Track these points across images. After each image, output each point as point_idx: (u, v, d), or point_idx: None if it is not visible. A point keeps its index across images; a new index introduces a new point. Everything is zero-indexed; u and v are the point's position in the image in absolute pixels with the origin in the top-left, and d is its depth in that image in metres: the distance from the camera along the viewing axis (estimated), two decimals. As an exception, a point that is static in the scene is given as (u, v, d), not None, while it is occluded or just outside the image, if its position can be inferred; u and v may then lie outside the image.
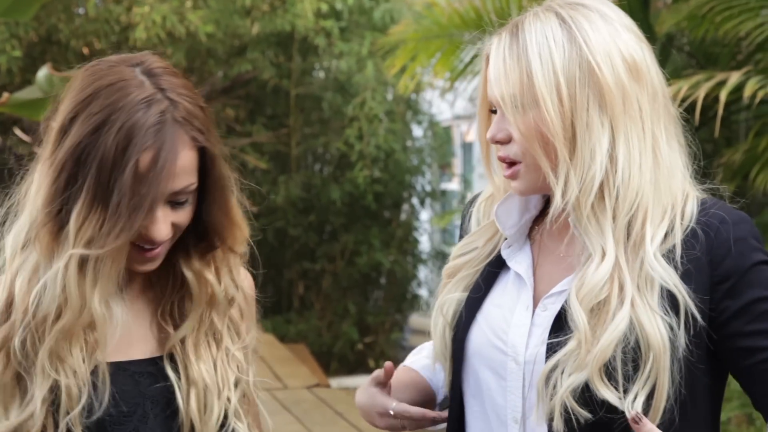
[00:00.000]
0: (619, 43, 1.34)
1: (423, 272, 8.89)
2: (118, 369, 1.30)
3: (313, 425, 5.14)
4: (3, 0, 3.47)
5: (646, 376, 1.28)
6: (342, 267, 8.07)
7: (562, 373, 1.29)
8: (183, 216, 1.27)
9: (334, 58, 7.91)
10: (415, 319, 7.66)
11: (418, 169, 8.41)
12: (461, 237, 1.55)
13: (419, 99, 8.33)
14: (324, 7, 7.19)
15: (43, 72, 3.58)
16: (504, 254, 1.44)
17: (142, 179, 1.19)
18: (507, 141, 1.36)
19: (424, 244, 9.00)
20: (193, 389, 1.32)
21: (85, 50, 7.08)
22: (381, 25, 7.56)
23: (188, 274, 1.32)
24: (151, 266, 1.29)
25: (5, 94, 3.76)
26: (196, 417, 1.31)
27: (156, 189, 1.20)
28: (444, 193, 9.10)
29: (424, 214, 8.93)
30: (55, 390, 1.24)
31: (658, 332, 1.28)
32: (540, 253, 1.44)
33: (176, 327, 1.33)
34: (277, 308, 7.89)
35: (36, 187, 1.24)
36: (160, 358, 1.33)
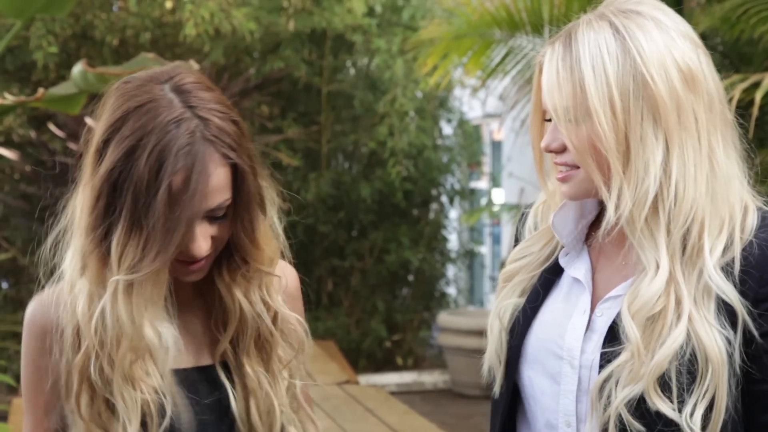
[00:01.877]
0: (675, 53, 1.31)
1: (451, 270, 8.88)
2: (179, 378, 1.29)
3: (344, 422, 5.16)
4: (40, -3, 3.51)
5: (704, 389, 1.26)
6: (371, 264, 8.09)
7: (617, 384, 1.29)
8: (223, 230, 1.27)
9: (367, 55, 7.92)
10: (443, 318, 7.65)
11: (447, 167, 8.40)
12: (516, 241, 1.55)
13: (449, 97, 8.32)
14: (361, 7, 7.20)
15: (77, 68, 3.63)
16: (562, 262, 1.44)
17: (176, 201, 1.18)
18: (562, 150, 1.36)
19: (453, 242, 8.99)
20: (252, 398, 1.31)
21: (115, 43, 7.12)
22: (411, 23, 7.57)
23: (221, 287, 1.32)
24: (196, 277, 1.29)
25: (41, 90, 3.82)
26: (259, 426, 1.31)
27: (190, 210, 1.19)
28: (473, 191, 9.09)
29: (453, 213, 8.92)
30: (144, 408, 1.24)
31: (716, 346, 1.27)
32: (599, 259, 1.43)
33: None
34: (305, 305, 7.90)
35: (79, 212, 1.24)
36: (213, 366, 1.33)
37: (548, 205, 1.49)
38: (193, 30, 6.67)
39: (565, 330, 1.39)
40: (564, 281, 1.44)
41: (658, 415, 1.27)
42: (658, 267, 1.30)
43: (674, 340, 1.27)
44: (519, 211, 1.59)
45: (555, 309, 1.42)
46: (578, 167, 1.35)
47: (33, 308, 1.32)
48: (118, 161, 1.19)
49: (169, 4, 7.04)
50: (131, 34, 6.98)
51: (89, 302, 1.24)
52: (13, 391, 5.86)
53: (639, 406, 1.28)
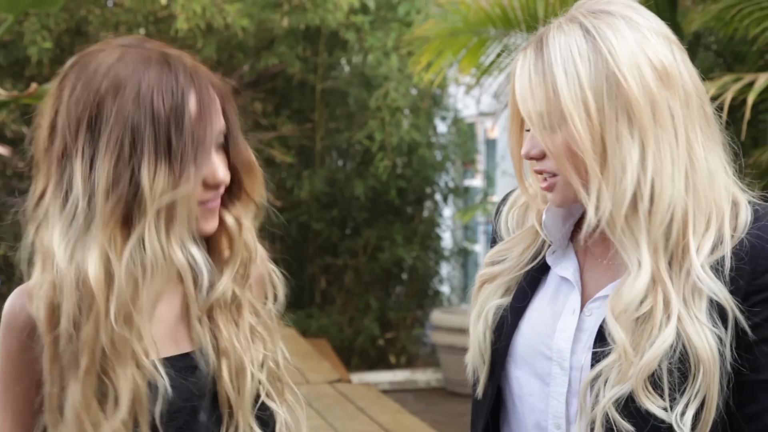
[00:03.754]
0: (647, 50, 1.30)
1: (445, 269, 8.88)
2: (168, 365, 1.30)
3: (335, 420, 5.15)
4: (33, -8, 3.50)
5: (696, 389, 1.26)
6: (364, 262, 8.08)
7: (605, 383, 1.28)
8: (224, 160, 1.33)
9: (361, 53, 7.91)
10: (436, 316, 7.65)
11: (441, 165, 8.40)
12: (494, 238, 1.53)
13: (444, 94, 8.32)
14: (355, 3, 7.19)
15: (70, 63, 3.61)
16: (549, 261, 1.43)
17: (198, 122, 1.27)
18: (541, 157, 1.35)
19: (447, 240, 8.99)
20: (224, 360, 1.33)
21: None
22: (406, 19, 7.56)
23: (229, 220, 1.35)
24: (213, 223, 1.33)
25: (33, 85, 3.79)
26: (230, 389, 1.33)
27: (211, 126, 1.28)
28: (467, 189, 9.09)
29: (447, 211, 8.92)
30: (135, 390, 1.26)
31: (707, 346, 1.26)
32: (586, 258, 1.42)
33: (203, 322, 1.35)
34: (299, 303, 7.91)
35: (82, 181, 1.25)
36: (193, 353, 1.34)
37: (528, 207, 1.47)
38: (185, 24, 6.65)
39: (554, 330, 1.38)
40: (551, 280, 1.43)
41: (648, 414, 1.26)
42: (640, 266, 1.29)
43: (664, 340, 1.26)
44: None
45: (542, 308, 1.41)
46: (557, 174, 1.34)
47: (14, 300, 1.31)
48: (128, 111, 1.24)
49: (162, 0, 7.02)
50: (124, 30, 6.96)
51: (102, 262, 1.24)
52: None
53: (627, 406, 1.27)
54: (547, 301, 1.42)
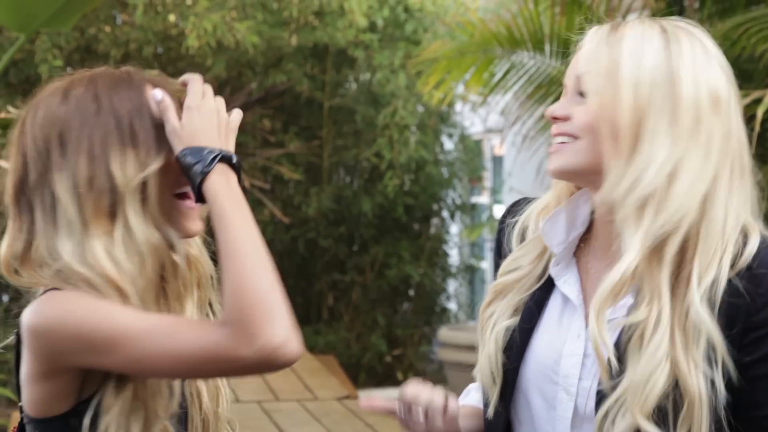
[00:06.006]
0: (710, 74, 1.34)
1: (452, 285, 8.88)
2: None
3: (343, 437, 5.15)
4: (45, 10, 3.54)
5: (686, 420, 1.28)
6: (371, 279, 8.09)
7: (613, 422, 1.30)
8: None
9: (369, 70, 7.95)
10: (443, 333, 7.63)
11: (448, 182, 8.41)
12: (498, 247, 1.54)
13: (451, 112, 8.34)
14: (364, 22, 7.23)
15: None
16: (552, 272, 1.44)
17: (158, 111, 1.35)
18: (566, 119, 1.38)
19: (454, 257, 8.99)
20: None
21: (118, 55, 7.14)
22: (413, 37, 7.60)
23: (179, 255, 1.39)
24: (197, 224, 1.38)
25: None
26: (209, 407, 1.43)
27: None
28: (474, 206, 9.09)
29: (454, 228, 8.92)
30: None
31: (698, 386, 1.27)
32: (588, 279, 1.43)
33: None
34: (306, 319, 7.92)
35: (66, 190, 1.31)
36: None
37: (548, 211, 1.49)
38: (196, 42, 6.69)
39: (561, 356, 1.40)
40: (556, 299, 1.44)
41: None
42: (627, 253, 1.31)
43: (657, 378, 1.28)
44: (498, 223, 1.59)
45: (550, 330, 1.42)
46: (576, 138, 1.36)
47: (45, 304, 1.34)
48: (86, 113, 1.34)
49: (172, 18, 7.07)
50: (135, 48, 7.01)
51: (107, 254, 1.30)
52: (13, 404, 5.85)
53: None
54: (554, 322, 1.43)
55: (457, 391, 1.62)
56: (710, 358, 1.28)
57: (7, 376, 6.48)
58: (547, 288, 1.44)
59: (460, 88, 6.15)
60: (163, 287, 1.37)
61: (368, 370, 7.97)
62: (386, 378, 8.02)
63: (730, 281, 1.30)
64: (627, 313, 1.33)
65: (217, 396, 1.45)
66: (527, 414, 1.42)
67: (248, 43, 6.83)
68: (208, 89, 1.37)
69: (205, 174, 1.29)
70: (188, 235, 1.38)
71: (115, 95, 1.35)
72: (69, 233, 1.31)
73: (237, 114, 1.38)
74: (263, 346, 1.19)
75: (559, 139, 1.38)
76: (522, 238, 1.49)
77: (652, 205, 1.31)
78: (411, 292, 8.40)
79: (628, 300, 1.34)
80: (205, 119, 1.33)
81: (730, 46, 3.83)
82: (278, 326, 1.21)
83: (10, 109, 3.66)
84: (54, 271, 1.30)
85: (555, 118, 1.39)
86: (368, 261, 8.10)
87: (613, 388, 1.30)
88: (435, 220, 8.54)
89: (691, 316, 1.29)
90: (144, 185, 1.31)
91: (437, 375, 8.06)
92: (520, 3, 4.86)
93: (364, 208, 7.83)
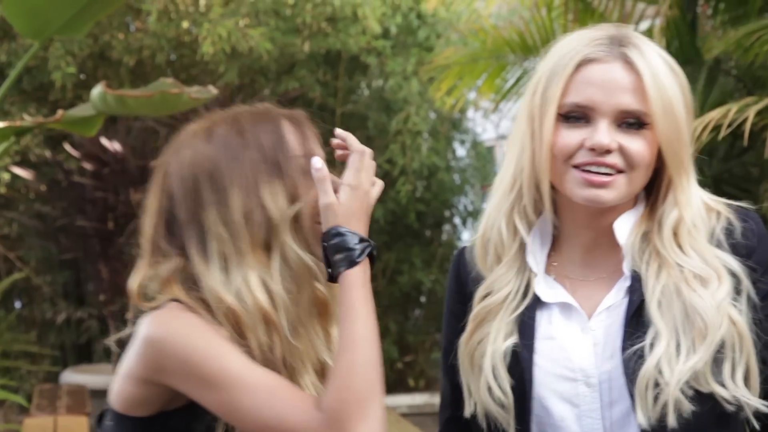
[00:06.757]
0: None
1: (464, 292, 8.86)
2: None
3: (352, 443, 5.14)
4: (58, 17, 3.57)
5: (744, 360, 1.35)
6: (383, 285, 8.09)
7: (661, 372, 1.34)
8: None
9: (381, 77, 7.95)
10: (455, 339, 7.63)
11: (460, 188, 8.41)
12: (458, 285, 1.63)
13: (463, 118, 8.34)
14: (377, 29, 7.24)
15: (97, 90, 3.67)
16: (538, 291, 1.47)
17: (297, 144, 1.48)
18: (615, 150, 1.40)
19: (466, 264, 8.96)
20: None
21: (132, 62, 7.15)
22: (426, 44, 7.60)
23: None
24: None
25: (60, 111, 3.85)
26: None
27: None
28: (486, 213, 9.07)
29: (466, 234, 8.92)
30: None
31: (741, 321, 1.36)
32: (569, 283, 1.47)
33: None
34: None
35: (221, 224, 1.37)
36: None
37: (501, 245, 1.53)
38: (211, 48, 6.70)
39: (570, 353, 1.41)
40: (545, 309, 1.46)
41: (710, 393, 1.33)
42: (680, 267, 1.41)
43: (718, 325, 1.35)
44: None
45: (551, 335, 1.45)
46: (633, 169, 1.39)
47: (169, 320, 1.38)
48: (237, 150, 1.41)
49: (185, 24, 7.10)
50: (148, 55, 7.04)
51: (262, 285, 1.36)
52: (25, 411, 5.86)
53: (689, 387, 1.33)
54: (552, 328, 1.45)
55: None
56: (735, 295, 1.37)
57: (19, 383, 6.51)
58: (533, 305, 1.47)
59: (473, 95, 6.15)
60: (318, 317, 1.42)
61: (380, 377, 7.95)
62: (397, 384, 8.01)
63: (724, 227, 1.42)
64: (626, 294, 1.40)
65: None
66: (549, 420, 1.43)
67: (262, 50, 6.85)
68: (367, 164, 1.42)
69: (353, 265, 1.37)
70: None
71: (259, 130, 1.42)
72: (222, 266, 1.35)
73: (378, 188, 1.44)
74: None
75: (606, 169, 1.40)
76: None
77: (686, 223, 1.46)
78: (422, 299, 8.40)
79: (624, 283, 1.41)
80: (362, 202, 1.40)
81: (743, 53, 3.82)
82: (371, 427, 1.26)
83: (25, 117, 3.69)
84: (195, 299, 1.35)
85: (607, 151, 1.39)
86: (380, 267, 8.10)
87: (640, 355, 1.34)
88: (447, 227, 8.54)
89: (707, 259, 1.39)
90: (297, 215, 1.39)
91: (449, 382, 8.05)
92: (532, 10, 4.87)
93: (376, 215, 7.83)
